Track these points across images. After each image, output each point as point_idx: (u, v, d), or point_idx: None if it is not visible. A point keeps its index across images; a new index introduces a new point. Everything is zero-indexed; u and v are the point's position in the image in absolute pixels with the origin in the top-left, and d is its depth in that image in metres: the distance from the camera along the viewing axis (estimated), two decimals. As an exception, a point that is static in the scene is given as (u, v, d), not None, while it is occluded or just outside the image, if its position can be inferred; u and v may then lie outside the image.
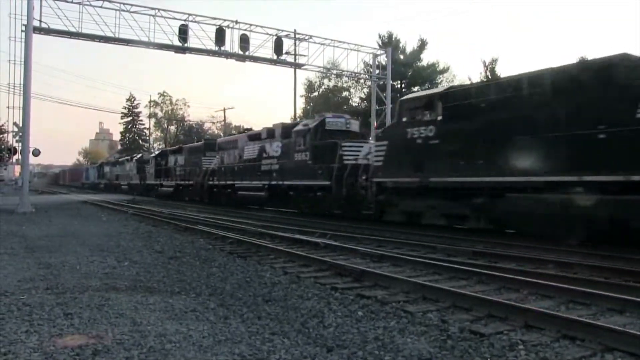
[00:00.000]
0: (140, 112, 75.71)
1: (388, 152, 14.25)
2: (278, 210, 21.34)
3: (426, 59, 43.10)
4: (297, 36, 25.81)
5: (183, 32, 22.27)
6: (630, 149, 8.83)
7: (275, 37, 24.41)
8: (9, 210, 19.52)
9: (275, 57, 24.62)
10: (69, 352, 3.84)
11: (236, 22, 23.27)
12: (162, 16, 21.83)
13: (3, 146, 30.45)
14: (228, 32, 23.07)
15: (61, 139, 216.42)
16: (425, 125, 12.99)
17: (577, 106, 9.79)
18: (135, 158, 46.46)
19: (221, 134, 55.20)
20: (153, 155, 40.94)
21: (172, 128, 72.60)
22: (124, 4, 21.21)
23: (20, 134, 21.40)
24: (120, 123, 77.38)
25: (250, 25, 23.69)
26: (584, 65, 12.45)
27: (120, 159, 55.52)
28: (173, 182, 33.82)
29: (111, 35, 21.27)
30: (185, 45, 22.63)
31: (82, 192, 53.02)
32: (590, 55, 35.05)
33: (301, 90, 49.92)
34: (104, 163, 65.20)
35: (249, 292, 6.12)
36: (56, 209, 22.22)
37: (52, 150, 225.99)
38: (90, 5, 20.69)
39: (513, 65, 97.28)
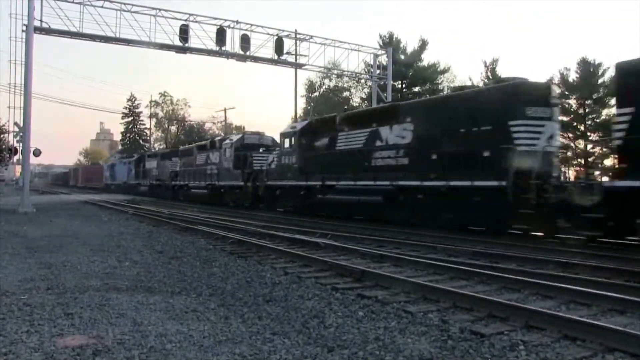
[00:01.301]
0: (141, 112, 75.77)
1: None
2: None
3: (427, 59, 43.17)
4: (298, 36, 25.86)
5: (184, 32, 22.30)
6: None
7: (276, 37, 24.44)
8: (10, 210, 19.55)
9: (276, 57, 24.66)
10: (69, 352, 3.84)
11: (237, 22, 23.33)
12: (162, 16, 21.87)
13: (4, 146, 30.40)
14: (229, 32, 23.12)
15: (62, 139, 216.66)
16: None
17: None
18: (229, 141, 26.72)
19: (222, 135, 55.02)
20: (289, 130, 20.63)
21: (173, 128, 72.62)
22: (124, 4, 21.23)
23: (21, 134, 21.44)
24: (121, 123, 77.48)
25: (251, 25, 23.75)
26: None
27: (185, 148, 35.24)
28: (372, 182, 15.52)
29: (112, 35, 21.30)
30: (186, 45, 22.66)
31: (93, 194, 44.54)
32: (591, 56, 34.88)
33: (302, 91, 49.94)
34: (147, 155, 45.95)
35: (249, 292, 6.12)
36: (57, 209, 22.23)
37: (53, 151, 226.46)
38: (91, 5, 20.73)
39: (514, 65, 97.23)
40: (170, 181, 34.85)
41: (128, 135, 77.74)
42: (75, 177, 74.19)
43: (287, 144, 20.34)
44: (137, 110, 76.24)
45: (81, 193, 46.49)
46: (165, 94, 70.33)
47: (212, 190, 27.66)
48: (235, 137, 26.93)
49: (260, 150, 24.71)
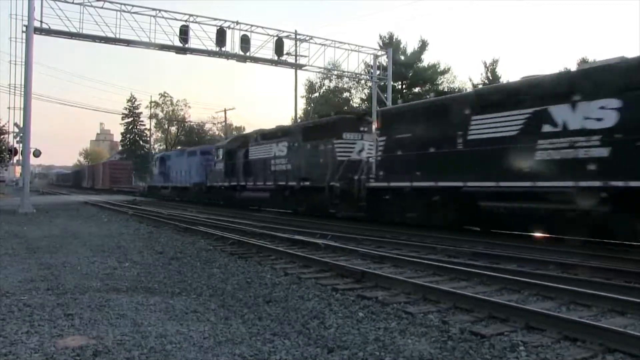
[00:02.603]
0: (141, 112, 75.50)
1: None
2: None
3: (427, 59, 43.18)
4: (298, 37, 25.87)
5: (184, 33, 22.35)
6: None
7: (276, 38, 24.48)
8: (11, 211, 19.55)
9: (276, 57, 24.69)
10: (69, 353, 3.84)
11: (237, 22, 23.37)
12: (162, 17, 21.91)
13: (4, 147, 30.41)
14: (229, 32, 23.17)
15: (62, 139, 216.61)
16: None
17: None
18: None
19: (222, 135, 54.98)
20: None
21: (173, 129, 72.57)
22: (124, 4, 21.26)
23: (21, 134, 21.45)
24: (121, 124, 77.25)
25: (251, 25, 23.79)
26: None
27: (393, 110, 17.09)
28: None
29: (112, 35, 21.33)
30: (186, 45, 22.69)
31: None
32: (591, 57, 34.95)
33: (302, 91, 49.91)
34: (257, 136, 23.65)
35: (249, 293, 6.11)
36: (57, 209, 22.22)
37: (53, 151, 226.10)
38: (91, 5, 20.76)
39: (514, 65, 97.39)
40: (353, 182, 16.05)
41: (128, 136, 77.62)
42: (92, 176, 58.30)
43: None
44: (137, 111, 76.10)
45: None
46: (165, 94, 70.16)
47: None
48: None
49: None
